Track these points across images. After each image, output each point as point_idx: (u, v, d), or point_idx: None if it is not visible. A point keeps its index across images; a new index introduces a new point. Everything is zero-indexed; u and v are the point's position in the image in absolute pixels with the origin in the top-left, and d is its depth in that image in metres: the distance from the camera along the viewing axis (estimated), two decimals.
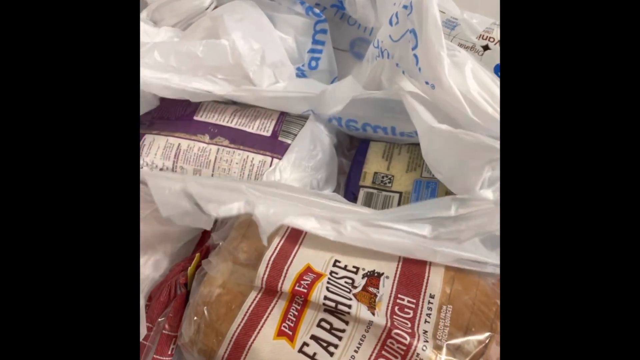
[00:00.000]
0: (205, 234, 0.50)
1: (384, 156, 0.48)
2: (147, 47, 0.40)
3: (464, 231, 0.33)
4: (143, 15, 0.50)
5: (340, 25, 0.50)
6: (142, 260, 0.42)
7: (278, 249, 0.36)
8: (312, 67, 0.49)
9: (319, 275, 0.34)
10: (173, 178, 0.36)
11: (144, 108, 0.49)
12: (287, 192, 0.35)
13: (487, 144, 0.34)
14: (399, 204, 0.45)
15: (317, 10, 0.46)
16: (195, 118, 0.49)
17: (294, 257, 0.35)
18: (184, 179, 0.35)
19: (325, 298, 0.32)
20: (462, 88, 0.37)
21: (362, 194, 0.46)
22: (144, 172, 0.41)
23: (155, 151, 0.48)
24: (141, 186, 0.45)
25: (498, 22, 0.43)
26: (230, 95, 0.43)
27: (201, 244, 0.49)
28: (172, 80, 0.40)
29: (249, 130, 0.48)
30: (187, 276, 0.40)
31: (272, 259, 0.35)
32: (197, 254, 0.42)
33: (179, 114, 0.50)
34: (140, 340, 0.37)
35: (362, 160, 0.48)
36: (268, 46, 0.43)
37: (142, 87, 0.41)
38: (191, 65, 0.40)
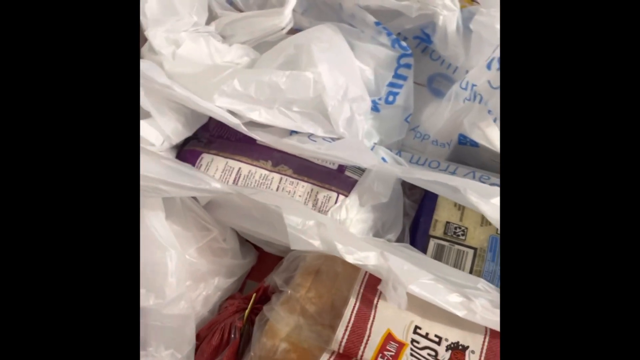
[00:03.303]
0: (254, 269, 0.47)
1: (456, 204, 0.45)
2: (227, 73, 0.37)
3: None
4: (212, 28, 0.47)
5: (421, 58, 0.47)
6: (194, 294, 0.39)
7: (356, 309, 0.32)
8: (388, 101, 0.45)
9: (401, 345, 0.31)
10: (306, 212, 0.34)
11: (197, 123, 0.46)
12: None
13: None
14: (473, 262, 0.41)
15: (404, 44, 0.43)
16: (258, 142, 0.46)
17: (373, 321, 0.32)
18: (317, 216, 0.33)
19: None
20: None
21: (432, 245, 0.43)
22: (274, 194, 0.37)
23: (214, 173, 0.44)
24: (197, 210, 0.42)
25: None
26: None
27: (252, 278, 0.46)
28: (246, 114, 0.38)
29: (315, 161, 0.45)
30: (244, 320, 0.37)
31: (351, 321, 0.31)
32: (253, 295, 0.39)
33: (240, 135, 0.46)
34: None
35: (432, 206, 0.45)
36: (351, 80, 0.40)
37: (213, 115, 0.38)
38: (269, 96, 0.38)
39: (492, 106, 0.39)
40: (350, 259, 0.31)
